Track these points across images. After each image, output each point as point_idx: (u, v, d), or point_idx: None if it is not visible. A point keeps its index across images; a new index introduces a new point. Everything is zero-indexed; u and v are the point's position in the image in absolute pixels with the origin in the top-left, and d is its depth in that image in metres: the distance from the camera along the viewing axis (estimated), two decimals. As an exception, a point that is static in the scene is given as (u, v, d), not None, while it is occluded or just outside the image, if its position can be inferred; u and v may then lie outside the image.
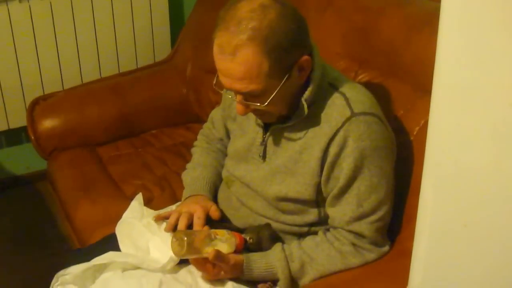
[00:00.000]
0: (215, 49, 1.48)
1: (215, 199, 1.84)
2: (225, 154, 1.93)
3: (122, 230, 1.77)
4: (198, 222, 1.67)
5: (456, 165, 0.93)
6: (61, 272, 1.65)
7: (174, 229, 1.67)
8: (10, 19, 2.80)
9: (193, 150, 2.01)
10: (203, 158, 1.94)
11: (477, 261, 0.95)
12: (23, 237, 2.96)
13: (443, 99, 0.94)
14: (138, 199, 1.88)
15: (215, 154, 1.94)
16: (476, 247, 0.94)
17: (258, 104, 1.52)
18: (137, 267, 1.62)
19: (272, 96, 1.49)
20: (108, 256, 1.64)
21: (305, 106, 1.54)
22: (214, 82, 1.57)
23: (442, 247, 1.01)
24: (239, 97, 1.53)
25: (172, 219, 1.69)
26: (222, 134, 1.94)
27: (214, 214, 1.72)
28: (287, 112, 1.60)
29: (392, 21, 1.88)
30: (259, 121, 1.68)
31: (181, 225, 1.65)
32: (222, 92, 1.60)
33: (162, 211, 1.83)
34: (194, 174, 1.88)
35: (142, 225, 1.73)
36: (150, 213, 1.81)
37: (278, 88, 1.49)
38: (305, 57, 1.51)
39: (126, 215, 1.83)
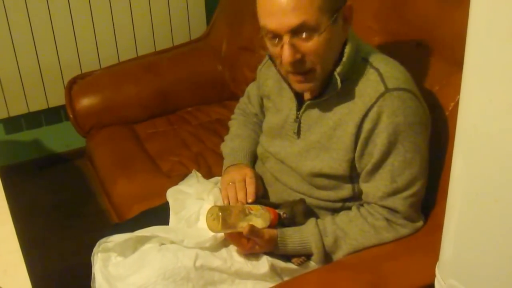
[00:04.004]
0: None
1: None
2: (260, 128, 1.95)
3: (174, 195, 1.83)
4: (250, 181, 1.72)
5: (487, 140, 0.93)
6: (104, 239, 1.69)
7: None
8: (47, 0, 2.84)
9: (231, 123, 2.04)
10: (240, 130, 1.97)
11: (508, 236, 0.95)
12: (63, 213, 3.02)
13: (475, 75, 0.94)
14: (195, 173, 1.94)
15: (252, 126, 1.97)
16: (507, 222, 0.94)
17: (308, 41, 1.48)
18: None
19: (321, 33, 1.47)
20: (151, 230, 1.67)
21: (338, 80, 1.54)
22: (260, 35, 1.56)
23: (472, 222, 1.01)
24: (286, 38, 1.48)
25: (230, 192, 1.72)
26: (257, 109, 1.97)
27: (249, 182, 1.74)
28: (329, 73, 1.57)
29: (427, -5, 1.86)
30: (292, 96, 1.68)
31: (241, 196, 1.70)
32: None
33: (214, 179, 1.91)
34: (233, 145, 1.91)
35: (196, 192, 1.79)
36: (205, 182, 1.88)
37: (326, 28, 1.46)
38: (349, 4, 1.51)
39: (182, 183, 1.90)
